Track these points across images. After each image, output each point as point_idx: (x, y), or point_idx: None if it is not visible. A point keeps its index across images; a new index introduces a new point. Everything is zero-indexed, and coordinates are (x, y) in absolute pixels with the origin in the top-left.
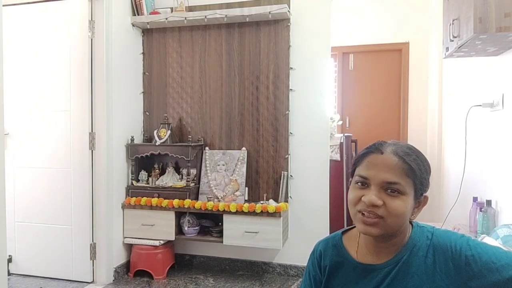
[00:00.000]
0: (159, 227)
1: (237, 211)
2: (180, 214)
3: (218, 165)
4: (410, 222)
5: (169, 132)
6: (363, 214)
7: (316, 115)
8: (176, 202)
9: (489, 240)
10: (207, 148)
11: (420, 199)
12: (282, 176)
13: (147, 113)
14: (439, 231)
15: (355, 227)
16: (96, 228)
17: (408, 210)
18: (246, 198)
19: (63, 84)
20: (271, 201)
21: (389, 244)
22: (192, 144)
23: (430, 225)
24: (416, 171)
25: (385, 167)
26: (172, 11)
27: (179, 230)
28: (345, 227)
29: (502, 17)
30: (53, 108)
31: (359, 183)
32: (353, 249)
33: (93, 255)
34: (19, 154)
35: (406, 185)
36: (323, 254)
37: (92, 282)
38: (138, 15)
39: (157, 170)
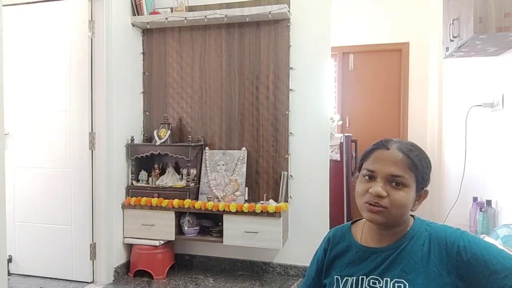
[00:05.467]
0: (159, 227)
1: (237, 211)
2: (180, 214)
3: (218, 165)
4: (412, 216)
5: (169, 132)
6: (369, 204)
7: (316, 115)
8: (176, 202)
9: (489, 240)
10: (207, 148)
11: (421, 193)
12: (282, 176)
13: (147, 113)
14: (436, 224)
15: (362, 218)
16: (96, 228)
17: (410, 201)
18: (246, 198)
19: (63, 84)
20: (271, 201)
21: (391, 232)
22: (192, 144)
23: (429, 220)
24: (418, 166)
25: (391, 162)
26: (172, 11)
27: (179, 230)
28: (354, 219)
29: (502, 17)
30: (53, 108)
31: (366, 177)
32: (358, 236)
33: (93, 255)
34: (19, 154)
35: (409, 178)
36: (331, 239)
37: (92, 282)
38: (138, 15)
39: (157, 170)
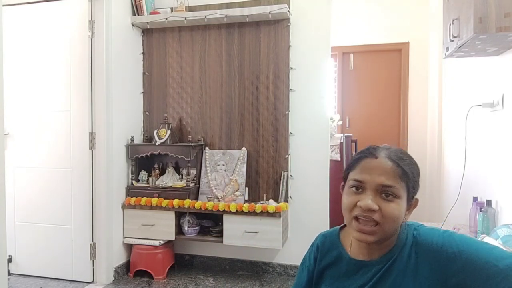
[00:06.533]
0: (159, 227)
1: (237, 211)
2: (180, 214)
3: (218, 165)
4: None
5: (169, 132)
6: (358, 220)
7: (316, 115)
8: (176, 202)
9: (489, 240)
10: (207, 148)
11: (411, 202)
12: (282, 176)
13: (147, 113)
14: (423, 229)
15: None
16: (96, 228)
17: (402, 213)
18: (246, 198)
19: (63, 84)
20: (271, 201)
21: (381, 246)
22: (192, 144)
23: (417, 222)
24: (409, 175)
25: (380, 171)
26: (172, 11)
27: (179, 230)
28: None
29: (502, 17)
30: (53, 108)
31: (353, 188)
32: (347, 245)
33: (93, 255)
34: (19, 154)
35: (400, 188)
36: (320, 248)
37: (92, 282)
38: (138, 15)
39: (157, 170)
